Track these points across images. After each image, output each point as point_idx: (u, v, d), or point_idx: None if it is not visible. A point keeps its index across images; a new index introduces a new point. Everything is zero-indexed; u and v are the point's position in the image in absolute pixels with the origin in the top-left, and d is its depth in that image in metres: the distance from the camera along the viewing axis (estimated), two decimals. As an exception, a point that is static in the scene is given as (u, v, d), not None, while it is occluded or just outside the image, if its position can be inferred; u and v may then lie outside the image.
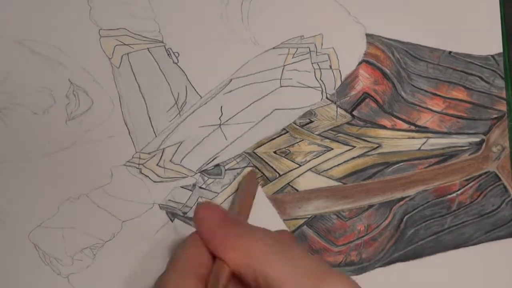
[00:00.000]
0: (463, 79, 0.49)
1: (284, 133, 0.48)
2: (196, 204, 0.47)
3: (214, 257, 0.35)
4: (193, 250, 0.35)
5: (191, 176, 0.47)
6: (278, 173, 0.48)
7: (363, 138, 0.48)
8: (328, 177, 0.48)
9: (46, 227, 0.46)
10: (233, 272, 0.33)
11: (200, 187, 0.47)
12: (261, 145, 0.48)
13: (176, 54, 0.47)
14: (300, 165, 0.48)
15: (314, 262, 0.31)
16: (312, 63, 0.48)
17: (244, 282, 0.33)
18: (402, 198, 0.48)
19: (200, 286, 0.32)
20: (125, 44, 0.47)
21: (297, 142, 0.48)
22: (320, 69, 0.48)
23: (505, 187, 0.48)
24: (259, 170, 0.48)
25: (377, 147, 0.48)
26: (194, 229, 0.38)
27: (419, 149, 0.49)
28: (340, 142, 0.48)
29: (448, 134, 0.49)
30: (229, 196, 0.47)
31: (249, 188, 0.44)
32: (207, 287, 0.33)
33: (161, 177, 0.47)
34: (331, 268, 0.32)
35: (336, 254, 0.48)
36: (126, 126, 0.47)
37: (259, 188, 0.48)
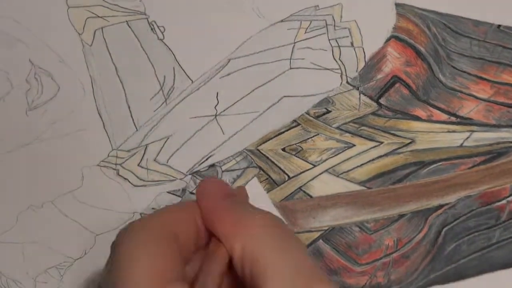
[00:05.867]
0: (515, 59, 0.49)
1: (295, 126, 0.47)
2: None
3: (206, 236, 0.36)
4: (181, 214, 0.36)
5: (180, 179, 0.47)
6: (288, 175, 0.47)
7: (392, 132, 0.47)
8: (349, 180, 0.47)
9: (2, 242, 0.45)
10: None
11: (191, 193, 0.47)
12: (266, 141, 0.47)
13: (162, 29, 0.47)
14: (315, 165, 0.47)
15: (310, 263, 0.33)
16: (329, 40, 0.47)
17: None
18: (440, 206, 0.47)
19: (175, 255, 0.33)
20: (98, 17, 0.46)
21: (310, 137, 0.47)
22: (339, 46, 0.47)
23: None
24: (264, 171, 0.47)
25: (410, 143, 0.47)
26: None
27: (461, 145, 0.47)
28: (363, 137, 0.47)
29: (496, 127, 0.47)
30: (226, 204, 0.48)
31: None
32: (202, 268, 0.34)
33: (143, 180, 0.46)
34: (325, 275, 0.36)
35: (358, 275, 0.47)
36: (100, 117, 0.46)
37: (264, 194, 0.47)
